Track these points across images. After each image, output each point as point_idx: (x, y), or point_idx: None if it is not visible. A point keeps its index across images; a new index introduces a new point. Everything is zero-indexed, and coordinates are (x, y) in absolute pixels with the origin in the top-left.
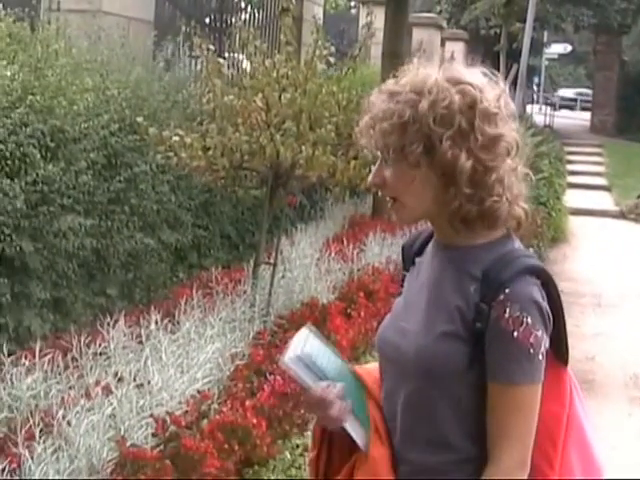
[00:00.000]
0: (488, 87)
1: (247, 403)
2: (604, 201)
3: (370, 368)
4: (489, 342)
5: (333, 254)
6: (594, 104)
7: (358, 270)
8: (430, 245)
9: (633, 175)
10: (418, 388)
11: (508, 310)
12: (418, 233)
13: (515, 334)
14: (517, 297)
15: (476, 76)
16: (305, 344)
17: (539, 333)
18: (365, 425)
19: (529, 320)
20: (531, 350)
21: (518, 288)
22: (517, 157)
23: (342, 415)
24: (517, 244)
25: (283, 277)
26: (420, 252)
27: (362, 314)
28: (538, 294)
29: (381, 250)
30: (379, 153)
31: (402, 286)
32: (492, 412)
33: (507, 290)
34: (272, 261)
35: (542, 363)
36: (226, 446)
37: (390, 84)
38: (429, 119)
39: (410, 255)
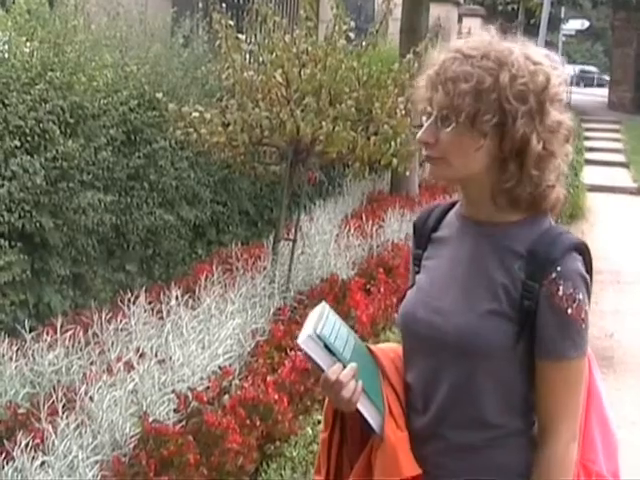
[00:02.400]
0: (555, 72)
1: (268, 379)
2: (622, 178)
3: (385, 348)
4: (541, 319)
5: (352, 230)
6: (612, 81)
7: (377, 246)
8: (450, 221)
9: None
10: (459, 366)
11: (561, 288)
12: (429, 210)
13: (569, 311)
14: (569, 274)
15: (546, 59)
16: (320, 323)
17: (587, 308)
18: (379, 407)
19: (580, 296)
20: (582, 325)
21: (569, 265)
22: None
23: (355, 397)
24: (551, 221)
25: (302, 253)
26: (435, 228)
27: (382, 290)
28: (584, 270)
29: (400, 226)
30: (435, 111)
31: (416, 264)
32: (546, 387)
33: (559, 268)
34: (292, 237)
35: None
36: (248, 422)
37: (462, 46)
38: (507, 92)
39: (425, 232)
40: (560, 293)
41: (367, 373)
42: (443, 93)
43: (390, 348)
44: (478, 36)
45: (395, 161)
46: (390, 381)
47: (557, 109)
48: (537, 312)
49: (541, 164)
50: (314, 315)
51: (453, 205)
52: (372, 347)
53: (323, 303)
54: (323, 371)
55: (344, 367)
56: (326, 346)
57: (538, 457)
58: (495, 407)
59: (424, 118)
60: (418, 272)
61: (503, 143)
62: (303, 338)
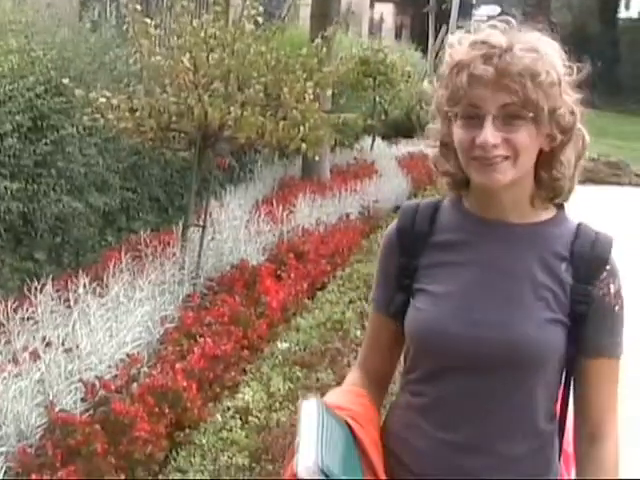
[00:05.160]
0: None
1: (177, 366)
2: None
3: (363, 417)
4: (594, 320)
5: (263, 216)
6: None
7: (288, 232)
8: (454, 223)
9: None
10: (512, 378)
11: (612, 287)
12: (412, 210)
13: (616, 308)
14: (615, 272)
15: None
16: (320, 445)
17: None
18: None
19: (622, 292)
20: (623, 319)
21: (613, 262)
22: None
23: None
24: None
25: (212, 239)
26: (431, 232)
27: (292, 276)
28: None
29: (311, 211)
30: (494, 110)
31: (406, 274)
32: (594, 387)
33: (608, 267)
34: (201, 223)
35: None
36: (157, 410)
37: (487, 37)
38: (564, 83)
39: (417, 237)
40: (612, 292)
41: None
42: (518, 88)
43: (363, 407)
44: (492, 27)
45: (304, 146)
46: (374, 468)
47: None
48: (588, 314)
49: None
50: (308, 422)
51: (437, 203)
52: (359, 435)
53: (315, 399)
54: None
55: None
56: (330, 476)
57: (589, 458)
58: (543, 414)
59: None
60: (409, 284)
61: (562, 137)
62: (302, 468)
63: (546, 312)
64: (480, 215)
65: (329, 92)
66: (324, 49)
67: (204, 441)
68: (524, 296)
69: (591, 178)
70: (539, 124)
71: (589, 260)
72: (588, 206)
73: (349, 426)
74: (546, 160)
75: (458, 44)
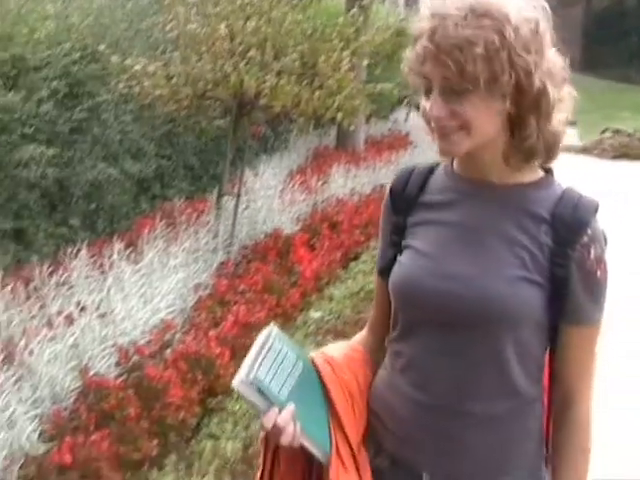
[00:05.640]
0: (541, 14)
1: (211, 333)
2: (569, 136)
3: (340, 361)
4: (572, 285)
5: (297, 185)
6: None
7: (322, 202)
8: (442, 184)
9: (598, 111)
10: (482, 336)
11: (593, 251)
12: (406, 173)
13: (598, 273)
14: (597, 237)
15: (526, 2)
16: (257, 362)
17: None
18: (324, 445)
19: (605, 258)
20: (606, 286)
21: (596, 227)
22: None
23: (295, 441)
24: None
25: (247, 208)
26: (420, 193)
27: (326, 245)
28: None
29: (345, 182)
30: (439, 83)
31: (396, 232)
32: (572, 352)
33: (589, 231)
34: (236, 192)
35: None
36: (189, 376)
37: (446, 9)
38: (516, 46)
39: (407, 197)
40: (592, 256)
41: (312, 409)
42: (451, 63)
43: (346, 358)
44: None
45: (340, 115)
46: (338, 415)
47: (551, 50)
48: (568, 278)
49: (555, 112)
50: (256, 345)
51: (433, 167)
52: (323, 371)
53: (271, 325)
54: (260, 413)
55: (282, 409)
56: (261, 389)
57: (563, 420)
58: (519, 375)
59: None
60: (399, 241)
61: (521, 99)
62: (237, 381)
63: (520, 270)
64: (464, 176)
65: (365, 62)
66: (360, 18)
67: (236, 408)
68: (499, 254)
69: (626, 153)
70: (489, 92)
71: (570, 223)
72: (621, 181)
73: (316, 365)
74: (514, 122)
75: (423, 15)
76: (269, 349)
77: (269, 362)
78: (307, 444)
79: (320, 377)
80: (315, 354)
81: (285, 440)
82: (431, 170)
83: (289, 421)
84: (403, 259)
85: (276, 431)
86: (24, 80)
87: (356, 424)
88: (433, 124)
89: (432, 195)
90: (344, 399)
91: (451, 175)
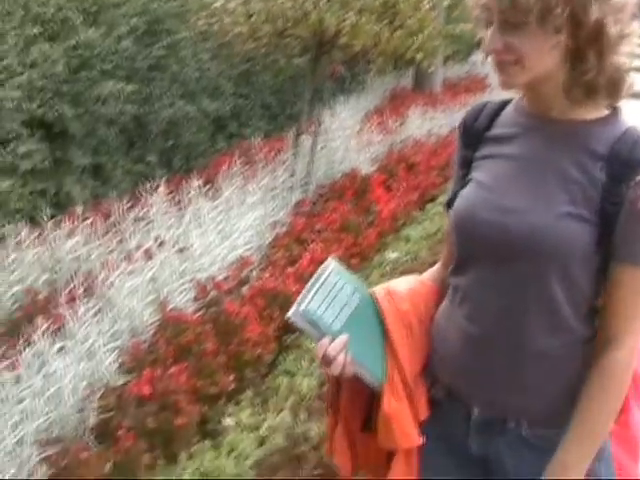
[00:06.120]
0: None
1: (288, 270)
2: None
3: (401, 293)
4: (622, 223)
5: (374, 126)
6: None
7: (399, 142)
8: (510, 119)
9: None
10: (531, 272)
11: None
12: (478, 108)
13: None
14: None
15: None
16: (310, 294)
17: None
18: (377, 375)
19: None
20: None
21: None
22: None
23: (346, 370)
24: (627, 121)
25: (324, 148)
26: (489, 127)
27: (403, 186)
28: None
29: (422, 123)
30: (497, 15)
31: (464, 166)
32: (618, 293)
33: None
34: (313, 131)
35: None
36: (266, 312)
37: None
38: None
39: (476, 131)
40: None
41: (367, 340)
42: None
43: (410, 291)
44: None
45: (419, 56)
46: (394, 345)
47: None
48: (619, 216)
49: (617, 47)
50: (313, 278)
51: (505, 103)
52: (381, 303)
53: (329, 259)
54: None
55: (335, 339)
56: (313, 321)
57: (602, 362)
58: (569, 313)
59: (484, 26)
60: (466, 174)
61: (578, 33)
62: (290, 313)
63: (570, 206)
64: (529, 111)
65: (445, 2)
66: None
67: (312, 346)
68: (551, 189)
69: None
70: (543, 25)
71: (626, 159)
72: None
73: (375, 298)
74: (573, 55)
75: None
76: (325, 282)
77: (323, 294)
78: (361, 373)
79: (378, 309)
80: (377, 287)
81: (335, 369)
82: (503, 105)
83: (340, 350)
84: (465, 192)
85: (327, 360)
86: (104, 17)
87: (412, 355)
88: (491, 58)
89: (499, 129)
90: (401, 330)
91: (519, 109)
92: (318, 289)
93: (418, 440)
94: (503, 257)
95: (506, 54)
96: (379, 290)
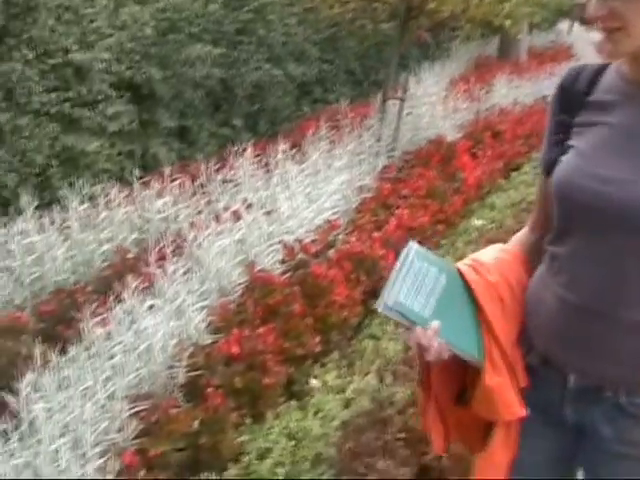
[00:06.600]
0: None
1: (374, 234)
2: None
3: (489, 264)
4: None
5: (459, 93)
6: None
7: (485, 110)
8: (611, 84)
9: None
10: (631, 244)
11: None
12: (576, 71)
13: None
14: None
15: None
16: (400, 281)
17: None
18: (473, 354)
19: None
20: None
21: None
22: None
23: (442, 355)
24: None
25: (409, 114)
26: (589, 92)
27: (488, 154)
28: None
29: (508, 92)
30: None
31: (561, 130)
32: None
33: None
34: (400, 97)
35: None
36: (353, 276)
37: None
38: None
39: (576, 96)
40: None
41: (459, 319)
42: None
43: (497, 261)
44: None
45: (508, 22)
46: (488, 318)
47: None
48: None
49: None
50: (397, 267)
51: (604, 67)
52: (469, 278)
53: (410, 243)
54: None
55: (426, 326)
56: (402, 313)
57: None
58: None
59: None
60: (563, 139)
61: None
62: (380, 306)
63: None
64: (630, 78)
65: None
66: None
67: None
68: None
69: None
70: None
71: None
72: None
73: (462, 273)
74: None
75: None
76: (409, 269)
77: (409, 283)
78: (458, 354)
79: (467, 284)
80: (462, 262)
81: (430, 357)
82: (602, 69)
83: (433, 339)
84: (565, 159)
85: (421, 349)
86: None
87: (507, 324)
88: (596, 24)
89: (600, 95)
90: (493, 302)
91: (621, 76)
92: (404, 277)
93: (521, 411)
94: (602, 227)
95: (611, 21)
96: (464, 265)
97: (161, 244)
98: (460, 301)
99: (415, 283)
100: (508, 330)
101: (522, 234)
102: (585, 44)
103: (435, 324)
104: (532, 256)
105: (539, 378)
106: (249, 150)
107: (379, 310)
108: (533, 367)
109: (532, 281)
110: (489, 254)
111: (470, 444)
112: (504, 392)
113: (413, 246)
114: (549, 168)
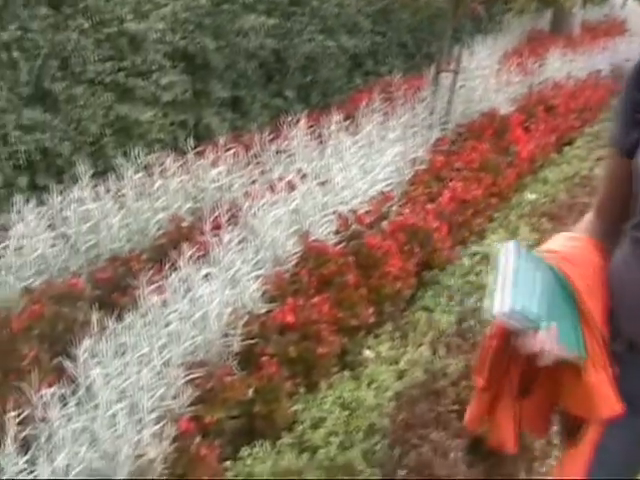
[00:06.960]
0: None
1: (428, 207)
2: None
3: (582, 258)
4: None
5: (512, 67)
6: None
7: (538, 84)
8: None
9: None
10: None
11: None
12: None
13: None
14: None
15: None
16: (509, 285)
17: None
18: (575, 351)
19: None
20: None
21: None
22: None
23: (554, 356)
24: None
25: (463, 87)
26: None
27: (541, 128)
28: None
29: (561, 66)
30: None
31: (637, 109)
32: None
33: None
34: (453, 69)
35: None
36: (407, 247)
37: None
38: None
39: None
40: None
41: (563, 317)
42: None
43: (575, 250)
44: None
45: None
46: (590, 314)
47: None
48: None
49: None
50: (500, 269)
51: None
52: (567, 272)
53: (506, 244)
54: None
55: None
56: (519, 318)
57: None
58: None
59: None
60: None
61: None
62: (498, 314)
63: None
64: None
65: None
66: None
67: (451, 282)
68: None
69: None
70: None
71: None
72: None
73: (555, 268)
74: None
75: None
76: (514, 270)
77: (518, 285)
78: (563, 354)
79: (564, 279)
80: (549, 256)
81: (546, 361)
82: None
83: (555, 342)
84: None
85: (541, 354)
86: None
87: (601, 314)
88: None
89: None
90: (590, 295)
91: None
92: (512, 281)
93: (620, 408)
94: None
95: None
96: (554, 260)
97: (216, 213)
98: (561, 297)
99: (522, 285)
100: (602, 320)
101: (587, 222)
102: (639, 18)
103: (554, 328)
104: (605, 241)
105: (624, 365)
106: (302, 121)
107: (493, 314)
108: (618, 354)
109: (615, 265)
110: (563, 243)
111: (539, 433)
112: (604, 388)
113: (509, 246)
114: (629, 149)
